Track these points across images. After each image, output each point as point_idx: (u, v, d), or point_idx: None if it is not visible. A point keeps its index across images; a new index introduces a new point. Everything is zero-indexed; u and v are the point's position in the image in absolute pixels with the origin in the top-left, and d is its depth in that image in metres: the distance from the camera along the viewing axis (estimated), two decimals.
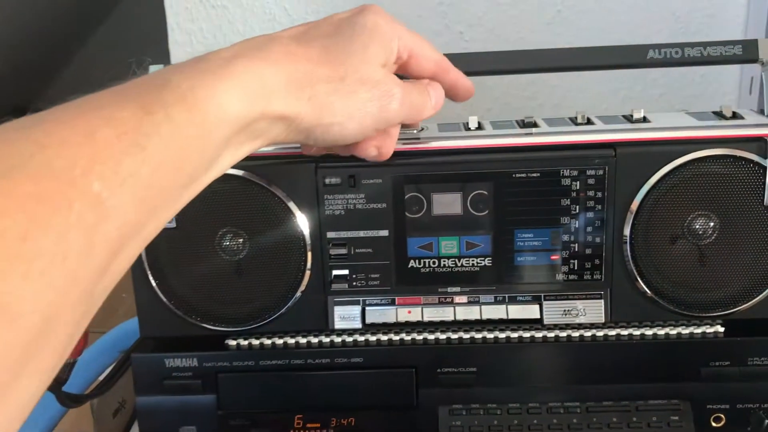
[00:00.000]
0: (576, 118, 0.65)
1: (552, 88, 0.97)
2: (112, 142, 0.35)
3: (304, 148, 0.60)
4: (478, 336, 0.64)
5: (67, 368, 0.75)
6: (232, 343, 0.66)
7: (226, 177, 0.61)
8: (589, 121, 0.65)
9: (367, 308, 0.64)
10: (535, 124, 0.64)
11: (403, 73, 0.57)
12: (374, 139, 0.54)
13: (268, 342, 0.65)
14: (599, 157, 0.61)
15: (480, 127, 0.65)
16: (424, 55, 0.56)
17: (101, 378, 0.83)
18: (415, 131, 0.65)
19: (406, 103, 0.53)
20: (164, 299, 0.64)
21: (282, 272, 0.64)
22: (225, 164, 0.45)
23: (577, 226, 0.62)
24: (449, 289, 0.64)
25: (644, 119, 0.64)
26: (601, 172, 0.61)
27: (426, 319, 0.64)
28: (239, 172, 0.61)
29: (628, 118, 0.65)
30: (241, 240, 0.63)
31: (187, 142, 0.39)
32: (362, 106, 0.50)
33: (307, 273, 0.63)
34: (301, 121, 0.47)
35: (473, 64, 0.64)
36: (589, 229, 0.62)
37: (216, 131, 0.41)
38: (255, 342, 0.66)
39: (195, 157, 0.40)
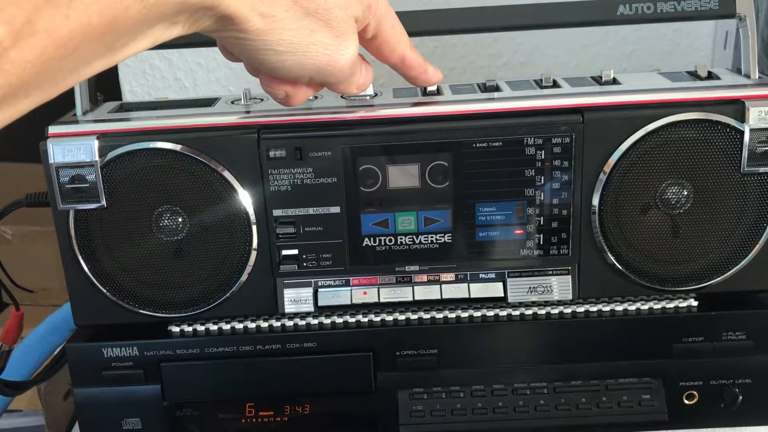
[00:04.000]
0: (541, 80, 0.60)
1: (518, 45, 0.92)
2: None
3: (221, 47, 0.49)
4: (439, 316, 0.60)
5: (2, 357, 0.70)
6: (175, 329, 0.61)
7: (160, 151, 0.57)
8: (555, 84, 0.60)
9: (319, 290, 0.60)
10: (497, 88, 0.60)
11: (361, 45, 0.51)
12: (292, 85, 0.48)
13: (214, 327, 0.61)
14: (565, 123, 0.56)
15: (438, 91, 0.60)
16: (391, 46, 0.51)
17: (49, 359, 0.78)
18: (367, 97, 0.59)
19: (351, 69, 0.48)
20: (98, 285, 0.59)
21: (226, 253, 0.59)
22: (147, 43, 0.38)
23: (542, 198, 0.57)
24: (407, 268, 0.59)
25: (614, 81, 0.60)
26: (567, 139, 0.56)
27: (383, 299, 0.60)
28: (175, 147, 0.56)
29: (597, 80, 0.60)
30: (179, 219, 0.58)
31: (123, 11, 0.33)
32: (313, 50, 0.45)
33: (254, 253, 0.59)
34: (243, 29, 0.41)
35: (432, 22, 0.59)
36: (555, 201, 0.57)
37: (157, 7, 0.35)
38: (200, 328, 0.61)
39: (123, 29, 0.35)
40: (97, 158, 0.56)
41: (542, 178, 0.57)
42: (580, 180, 0.57)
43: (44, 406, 0.97)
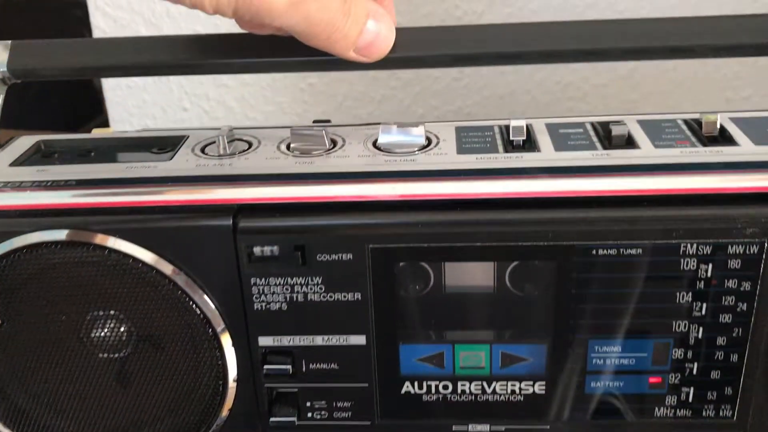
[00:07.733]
0: (699, 123, 0.37)
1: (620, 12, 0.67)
2: None
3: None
4: None
5: None
6: None
7: (78, 245, 0.35)
8: (723, 134, 0.36)
9: None
10: (630, 141, 0.36)
11: None
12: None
13: None
14: (753, 222, 0.33)
15: (531, 142, 0.37)
16: None
17: None
18: (416, 150, 0.37)
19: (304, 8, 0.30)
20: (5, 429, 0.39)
21: (191, 385, 0.38)
22: None
23: (700, 335, 0.35)
24: (472, 428, 0.38)
25: None
26: (755, 248, 0.33)
27: None
28: (104, 240, 0.35)
29: None
30: (122, 329, 0.37)
31: None
32: None
33: (232, 388, 0.38)
34: None
35: (478, 43, 0.35)
36: (721, 340, 0.35)
37: None
38: None
39: None
40: None
41: (703, 305, 0.34)
42: (765, 309, 0.34)
43: None
